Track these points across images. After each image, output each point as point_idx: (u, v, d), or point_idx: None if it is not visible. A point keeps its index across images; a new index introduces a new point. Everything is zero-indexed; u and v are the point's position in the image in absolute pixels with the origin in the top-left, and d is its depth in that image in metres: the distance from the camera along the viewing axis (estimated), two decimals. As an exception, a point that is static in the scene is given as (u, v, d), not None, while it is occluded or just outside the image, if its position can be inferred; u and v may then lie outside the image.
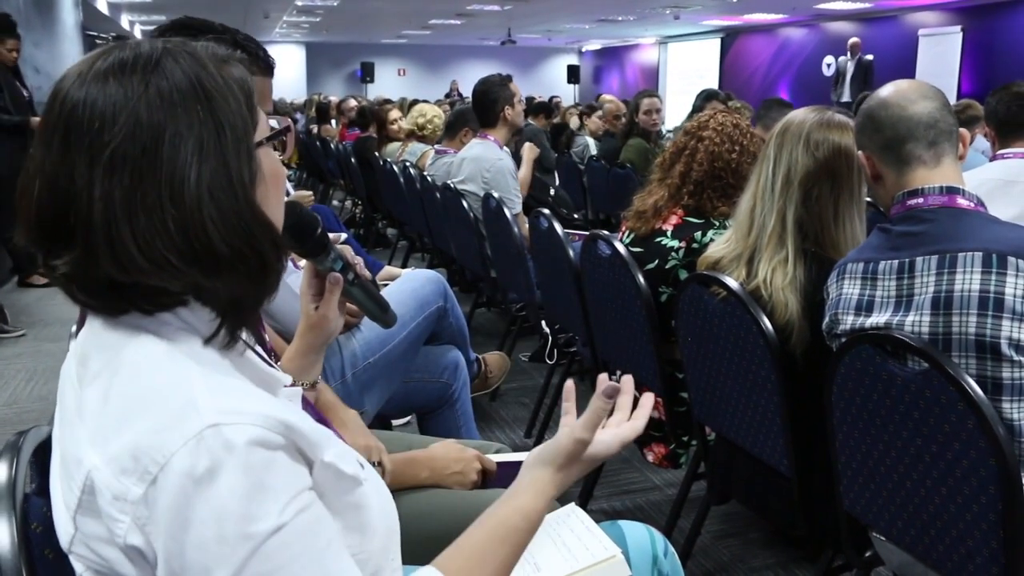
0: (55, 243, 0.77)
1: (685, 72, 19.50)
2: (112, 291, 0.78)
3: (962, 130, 1.55)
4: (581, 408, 0.97)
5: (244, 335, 0.88)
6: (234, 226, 0.78)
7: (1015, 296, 1.33)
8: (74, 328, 1.56)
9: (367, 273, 1.34)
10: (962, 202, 1.47)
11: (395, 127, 6.16)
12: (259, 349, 0.95)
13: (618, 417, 1.00)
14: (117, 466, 0.72)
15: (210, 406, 0.73)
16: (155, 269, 0.75)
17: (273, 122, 0.92)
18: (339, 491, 0.82)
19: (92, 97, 0.75)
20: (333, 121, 9.75)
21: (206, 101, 0.78)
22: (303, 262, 1.31)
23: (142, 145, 0.74)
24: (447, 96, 16.29)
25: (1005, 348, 1.34)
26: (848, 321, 1.54)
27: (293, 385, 0.99)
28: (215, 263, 0.77)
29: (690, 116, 5.30)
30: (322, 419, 1.04)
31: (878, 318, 1.49)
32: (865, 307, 1.52)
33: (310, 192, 4.96)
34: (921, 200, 1.49)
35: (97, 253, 0.75)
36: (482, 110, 3.90)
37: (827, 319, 1.60)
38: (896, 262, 1.48)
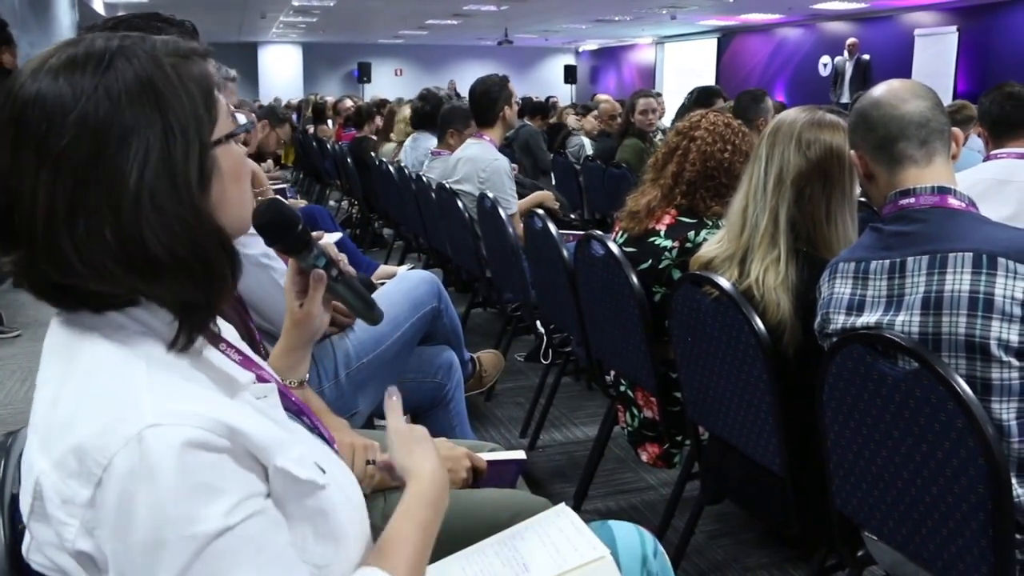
0: (2, 241, 0.77)
1: (682, 72, 19.50)
2: (57, 291, 0.78)
3: (955, 129, 1.55)
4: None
5: (212, 328, 0.88)
6: (175, 233, 0.77)
7: (1005, 297, 1.33)
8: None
9: (351, 269, 1.35)
10: (953, 202, 1.47)
11: (402, 126, 6.25)
12: (243, 347, 0.95)
13: None
14: (64, 470, 0.72)
15: (151, 407, 0.73)
16: (93, 274, 0.75)
17: (241, 117, 0.91)
18: (296, 495, 0.81)
19: (42, 95, 0.75)
20: (329, 121, 9.75)
21: (156, 102, 0.77)
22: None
23: (87, 149, 0.74)
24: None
25: (994, 349, 1.34)
26: (839, 320, 1.54)
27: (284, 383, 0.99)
28: (154, 269, 0.76)
29: (679, 115, 5.30)
30: (306, 412, 1.04)
31: (869, 318, 1.49)
32: (856, 306, 1.52)
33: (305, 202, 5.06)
34: (913, 200, 1.49)
35: (37, 256, 0.75)
36: (482, 110, 3.90)
37: (819, 318, 1.60)
38: (887, 262, 1.48)
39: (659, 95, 7.47)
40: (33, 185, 0.74)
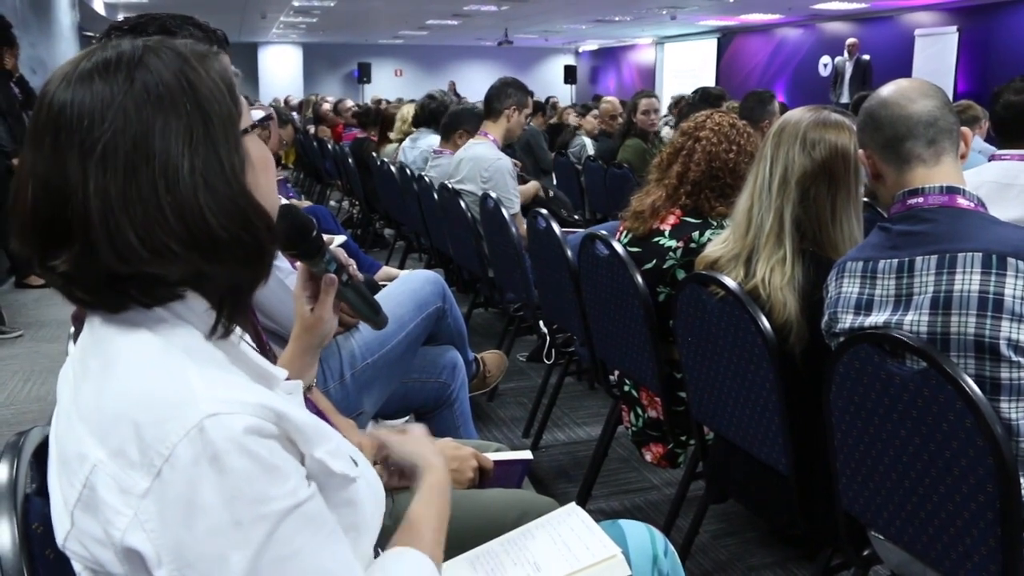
0: (51, 243, 0.77)
1: (681, 72, 19.51)
2: (111, 286, 0.78)
3: (964, 129, 1.55)
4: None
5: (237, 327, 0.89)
6: (230, 211, 0.79)
7: (1014, 297, 1.33)
8: (72, 330, 1.57)
9: (359, 275, 1.35)
10: (962, 202, 1.47)
11: (402, 124, 6.24)
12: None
13: None
14: (124, 459, 0.73)
15: (208, 396, 0.74)
16: (156, 257, 0.76)
17: (258, 112, 0.94)
18: (330, 487, 0.83)
19: (79, 97, 0.76)
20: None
21: (192, 94, 0.79)
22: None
23: (132, 139, 0.75)
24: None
25: (1004, 349, 1.34)
26: (847, 320, 1.54)
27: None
28: (214, 247, 0.78)
29: (682, 116, 5.31)
30: (321, 415, 1.05)
31: (877, 317, 1.49)
32: (864, 306, 1.52)
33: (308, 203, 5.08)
34: (921, 199, 1.49)
35: (97, 247, 0.75)
36: (491, 100, 3.97)
37: (826, 317, 1.60)
38: (896, 261, 1.48)
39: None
40: (82, 180, 0.75)
